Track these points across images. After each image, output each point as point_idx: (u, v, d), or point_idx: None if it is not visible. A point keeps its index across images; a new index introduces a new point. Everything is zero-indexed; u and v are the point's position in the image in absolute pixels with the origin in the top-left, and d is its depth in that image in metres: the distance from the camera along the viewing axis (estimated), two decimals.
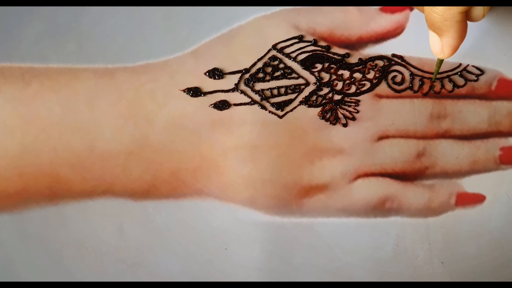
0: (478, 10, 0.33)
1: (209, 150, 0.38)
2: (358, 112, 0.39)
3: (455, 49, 0.34)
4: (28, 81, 0.38)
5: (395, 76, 0.39)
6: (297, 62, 0.39)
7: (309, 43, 0.40)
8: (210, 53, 0.39)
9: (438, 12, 0.32)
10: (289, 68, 0.39)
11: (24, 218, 0.38)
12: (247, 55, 0.39)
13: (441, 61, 0.37)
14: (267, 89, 0.39)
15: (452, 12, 0.31)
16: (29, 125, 0.38)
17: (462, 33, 0.33)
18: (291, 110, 0.39)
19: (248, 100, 0.39)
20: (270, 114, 0.39)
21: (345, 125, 0.39)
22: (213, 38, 0.39)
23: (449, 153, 0.39)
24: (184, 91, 0.39)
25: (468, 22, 0.33)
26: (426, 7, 0.32)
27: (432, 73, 0.39)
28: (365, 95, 0.39)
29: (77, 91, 0.38)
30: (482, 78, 0.40)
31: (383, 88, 0.39)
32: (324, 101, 0.39)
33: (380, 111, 0.39)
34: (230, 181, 0.38)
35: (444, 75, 0.40)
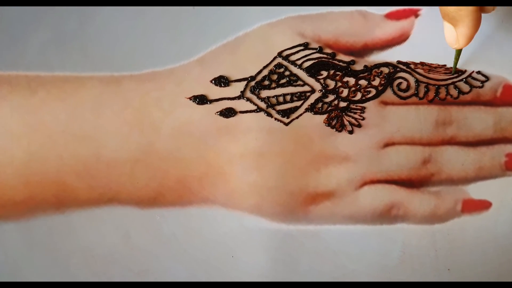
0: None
1: (215, 158, 0.38)
2: (363, 119, 0.39)
3: (470, 38, 0.34)
4: (34, 89, 0.39)
5: (400, 83, 0.40)
6: (303, 69, 0.39)
7: (315, 50, 0.40)
8: (216, 61, 0.39)
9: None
10: (295, 75, 0.39)
11: (31, 226, 0.38)
12: (252, 63, 0.39)
13: (459, 52, 0.37)
14: (273, 97, 0.39)
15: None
16: (35, 133, 0.38)
17: (477, 23, 0.33)
18: (297, 117, 0.39)
19: (254, 107, 0.39)
20: (276, 121, 0.39)
21: (351, 132, 0.39)
22: (219, 46, 0.39)
23: (454, 159, 0.39)
24: (190, 98, 0.39)
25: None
26: None
27: (437, 80, 0.39)
28: (371, 102, 0.39)
29: (83, 99, 0.39)
30: (487, 84, 0.40)
31: (388, 95, 0.39)
32: (329, 108, 0.39)
33: (386, 118, 0.39)
34: (236, 189, 0.38)
35: (449, 81, 0.40)
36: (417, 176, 0.39)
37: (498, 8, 0.39)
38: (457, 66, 0.39)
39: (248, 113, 0.39)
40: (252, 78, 0.39)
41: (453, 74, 0.39)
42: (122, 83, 0.39)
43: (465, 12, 0.33)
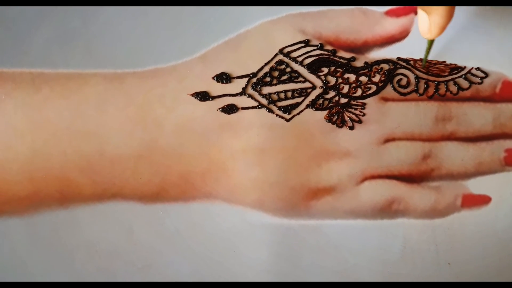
0: None
1: (218, 154, 0.39)
2: (364, 115, 0.39)
3: (443, 28, 0.34)
4: (38, 86, 0.39)
5: (400, 79, 0.40)
6: (304, 66, 0.40)
7: (315, 47, 0.40)
8: (218, 57, 0.40)
9: None
10: (296, 72, 0.40)
11: (35, 221, 0.38)
12: (254, 60, 0.40)
13: (431, 43, 0.37)
14: (274, 93, 0.40)
15: None
16: (39, 129, 0.38)
17: (450, 11, 0.33)
18: (298, 114, 0.39)
19: (256, 103, 0.39)
20: (277, 117, 0.39)
21: (351, 128, 0.39)
22: (221, 43, 0.40)
23: (454, 155, 0.40)
24: (192, 95, 0.39)
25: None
26: None
27: (436, 75, 0.40)
28: (371, 98, 0.40)
29: (86, 96, 0.39)
30: (486, 80, 0.40)
31: (388, 91, 0.40)
32: (330, 104, 0.40)
33: (386, 114, 0.40)
34: (239, 184, 0.39)
35: (449, 77, 0.40)
36: (417, 171, 0.39)
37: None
38: (455, 63, 0.40)
39: (249, 110, 0.39)
40: (254, 74, 0.40)
41: (423, 68, 0.39)
42: (125, 80, 0.39)
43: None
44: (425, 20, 0.35)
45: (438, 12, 0.33)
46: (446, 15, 0.33)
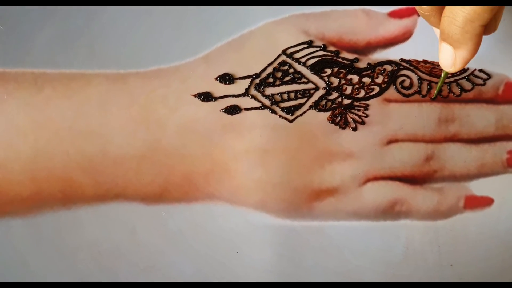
0: (493, 23, 0.32)
1: (221, 154, 0.39)
2: (367, 116, 0.39)
3: (467, 62, 0.33)
4: (41, 86, 0.39)
5: (403, 81, 0.40)
6: (307, 67, 0.40)
7: (319, 48, 0.40)
8: (221, 58, 0.40)
9: (459, 24, 0.30)
10: (299, 73, 0.40)
11: (38, 222, 0.38)
12: (257, 60, 0.40)
13: (446, 74, 0.36)
14: (277, 94, 0.40)
15: (474, 24, 0.30)
16: (42, 129, 0.38)
17: (478, 46, 0.32)
18: (301, 115, 0.39)
19: (259, 104, 0.39)
20: (280, 118, 0.39)
21: (354, 129, 0.39)
22: (224, 44, 0.40)
23: (457, 156, 0.40)
24: (195, 96, 0.39)
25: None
26: (445, 20, 0.31)
27: (439, 77, 0.40)
28: (374, 99, 0.40)
29: (89, 96, 0.39)
30: (489, 82, 0.40)
31: (391, 92, 0.40)
32: (333, 105, 0.40)
33: (389, 115, 0.40)
34: (241, 185, 0.39)
35: (452, 79, 0.40)
36: (420, 173, 0.39)
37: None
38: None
39: (252, 110, 0.39)
40: (257, 75, 0.40)
41: (433, 99, 0.39)
42: (128, 80, 0.39)
43: (470, 35, 0.31)
44: (450, 54, 0.32)
45: (468, 47, 0.31)
46: (475, 49, 0.32)
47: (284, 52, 0.40)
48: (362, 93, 0.40)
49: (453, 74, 0.40)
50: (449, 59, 0.33)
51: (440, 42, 0.33)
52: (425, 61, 0.40)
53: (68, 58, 0.39)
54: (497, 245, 0.39)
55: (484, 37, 0.40)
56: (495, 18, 0.32)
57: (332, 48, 0.40)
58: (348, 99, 0.40)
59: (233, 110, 0.39)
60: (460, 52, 0.32)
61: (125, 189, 0.39)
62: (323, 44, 0.40)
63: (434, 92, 0.39)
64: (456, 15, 0.30)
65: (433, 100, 0.39)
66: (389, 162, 0.39)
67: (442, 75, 0.36)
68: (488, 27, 0.32)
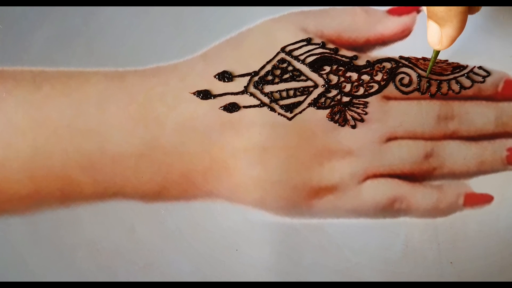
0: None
1: (219, 152, 0.39)
2: (366, 113, 0.39)
3: (454, 40, 0.34)
4: (39, 84, 0.39)
5: (402, 78, 0.40)
6: (306, 64, 0.40)
7: (317, 46, 0.40)
8: (220, 56, 0.40)
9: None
10: (298, 70, 0.40)
11: (36, 220, 0.38)
12: (256, 58, 0.40)
13: (437, 53, 0.37)
14: (276, 92, 0.39)
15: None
16: (40, 127, 0.38)
17: (463, 24, 0.33)
18: (300, 112, 0.39)
19: (258, 102, 0.39)
20: (279, 116, 0.39)
21: (353, 126, 0.39)
22: (222, 41, 0.40)
23: (456, 154, 0.40)
24: (194, 93, 0.39)
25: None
26: None
27: (438, 74, 0.40)
28: (373, 97, 0.40)
29: (88, 94, 0.39)
30: (488, 79, 0.40)
31: (391, 90, 0.40)
32: (332, 103, 0.39)
33: (388, 112, 0.39)
34: (240, 183, 0.39)
35: (451, 76, 0.40)
36: (420, 170, 0.39)
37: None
38: (458, 62, 0.40)
39: (251, 108, 0.39)
40: (256, 73, 0.40)
41: (427, 77, 0.39)
42: (127, 78, 0.39)
43: (454, 13, 0.32)
44: (436, 32, 0.34)
45: (452, 24, 0.33)
46: (460, 27, 0.33)
47: (283, 49, 0.40)
48: (361, 91, 0.40)
49: (453, 71, 0.40)
50: (435, 37, 0.34)
51: (427, 21, 0.34)
52: (424, 59, 0.40)
53: (67, 56, 0.39)
54: (497, 243, 0.39)
55: (484, 34, 0.40)
56: None
57: (331, 46, 0.40)
58: (347, 96, 0.40)
59: (232, 108, 0.39)
60: (446, 29, 0.33)
61: (123, 187, 0.38)
62: (322, 42, 0.40)
63: (426, 72, 0.39)
64: None
65: (426, 78, 0.39)
66: (388, 160, 0.39)
67: (433, 54, 0.37)
68: (472, 7, 0.33)
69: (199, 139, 0.39)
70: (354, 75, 0.40)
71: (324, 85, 0.40)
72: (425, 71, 0.40)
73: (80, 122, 0.38)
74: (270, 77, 0.40)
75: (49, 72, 0.39)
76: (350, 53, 0.40)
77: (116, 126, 0.38)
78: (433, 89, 0.40)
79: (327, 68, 0.40)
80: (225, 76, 0.39)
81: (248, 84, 0.39)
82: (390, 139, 0.39)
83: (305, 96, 0.39)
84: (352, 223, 0.39)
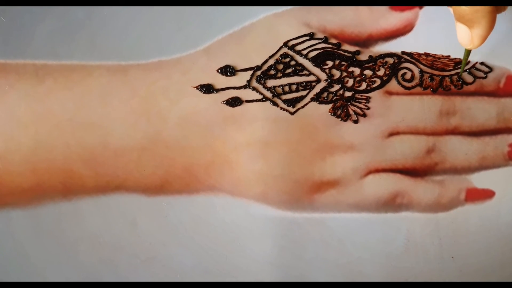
0: None
1: (222, 146, 0.39)
2: (368, 108, 0.39)
3: (485, 38, 0.34)
4: (42, 77, 0.39)
5: (405, 73, 0.40)
6: (308, 59, 0.40)
7: (320, 41, 0.40)
8: (222, 50, 0.40)
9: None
10: (300, 65, 0.40)
11: (39, 213, 0.38)
12: (258, 53, 0.40)
13: (468, 52, 0.37)
14: (279, 86, 0.39)
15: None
16: (42, 121, 0.38)
17: (492, 23, 0.33)
18: (303, 107, 0.39)
19: (260, 97, 0.39)
20: (281, 110, 0.39)
21: (356, 121, 0.39)
22: (225, 36, 0.40)
23: (458, 149, 0.40)
24: (196, 88, 0.39)
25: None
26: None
27: (441, 69, 0.40)
28: (376, 92, 0.40)
29: (90, 88, 0.39)
30: (490, 75, 0.40)
31: (393, 85, 0.40)
32: (335, 97, 0.40)
33: (390, 107, 0.40)
34: (242, 177, 0.39)
35: (453, 72, 0.40)
36: (421, 165, 0.39)
37: None
38: (460, 57, 0.40)
39: (254, 102, 0.39)
40: (258, 67, 0.40)
41: (460, 76, 0.39)
42: (129, 72, 0.39)
43: (481, 14, 0.32)
44: (466, 32, 0.34)
45: (481, 24, 0.32)
46: (489, 26, 0.33)
47: (285, 44, 0.40)
48: (363, 86, 0.40)
49: (455, 67, 0.40)
50: (466, 38, 0.34)
51: (456, 22, 0.34)
52: (426, 54, 0.40)
53: (69, 50, 0.39)
54: (498, 238, 0.39)
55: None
56: None
57: (333, 41, 0.40)
58: (349, 91, 0.40)
59: (234, 102, 0.39)
60: (475, 30, 0.33)
61: (125, 180, 0.38)
62: (324, 37, 0.40)
63: (460, 70, 0.39)
64: None
65: (459, 76, 0.39)
66: (390, 155, 0.39)
67: (464, 53, 0.37)
68: (499, 6, 0.33)
69: (202, 133, 0.39)
70: (357, 70, 0.40)
71: (326, 80, 0.40)
72: (427, 67, 0.40)
73: (83, 116, 0.38)
74: (272, 72, 0.40)
75: (51, 66, 0.39)
76: (352, 48, 0.40)
77: (119, 120, 0.38)
78: (435, 84, 0.40)
79: (330, 63, 0.40)
80: (227, 70, 0.39)
81: (251, 78, 0.39)
82: (392, 134, 0.39)
83: (307, 91, 0.39)
84: (354, 217, 0.39)
